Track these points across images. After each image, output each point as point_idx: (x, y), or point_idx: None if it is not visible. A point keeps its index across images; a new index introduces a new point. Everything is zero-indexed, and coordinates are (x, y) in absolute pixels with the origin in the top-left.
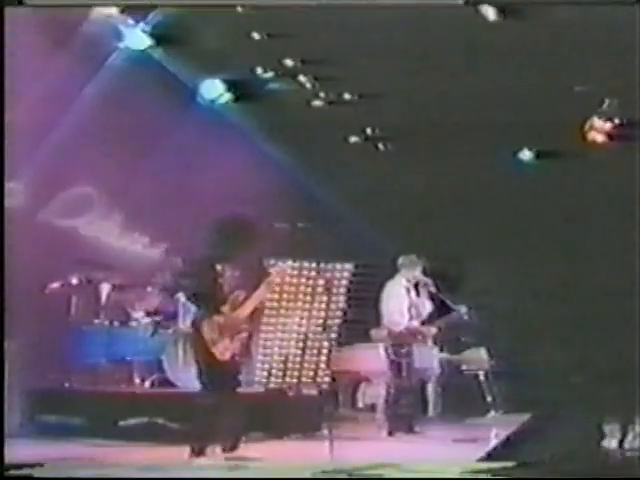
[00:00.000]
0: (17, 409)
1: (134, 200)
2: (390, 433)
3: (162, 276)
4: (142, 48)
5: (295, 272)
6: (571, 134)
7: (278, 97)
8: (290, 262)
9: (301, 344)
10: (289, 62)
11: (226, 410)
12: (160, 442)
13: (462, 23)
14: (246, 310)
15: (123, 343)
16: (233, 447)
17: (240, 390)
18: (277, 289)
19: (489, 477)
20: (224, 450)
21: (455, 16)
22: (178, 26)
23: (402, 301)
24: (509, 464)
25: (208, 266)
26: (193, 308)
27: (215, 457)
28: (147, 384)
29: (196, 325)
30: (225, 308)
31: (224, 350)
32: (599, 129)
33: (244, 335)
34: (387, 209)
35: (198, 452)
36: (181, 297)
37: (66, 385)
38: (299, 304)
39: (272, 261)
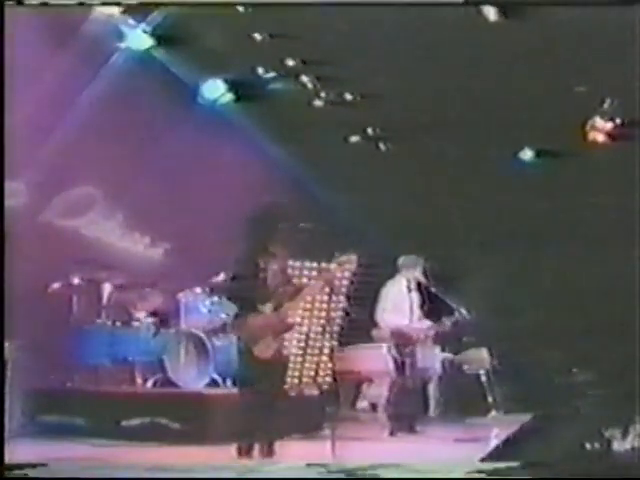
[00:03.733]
0: (19, 409)
1: (136, 200)
2: (392, 433)
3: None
4: (143, 48)
5: (296, 272)
6: (572, 134)
7: (279, 97)
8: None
9: (302, 344)
10: (290, 62)
11: (268, 410)
12: (162, 442)
13: (463, 23)
14: (295, 307)
15: (125, 343)
16: (270, 449)
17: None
18: (337, 284)
19: (490, 477)
20: (262, 454)
21: (456, 16)
22: (179, 26)
23: (402, 301)
24: (510, 464)
25: (250, 262)
26: (231, 306)
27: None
28: (149, 384)
29: (237, 323)
30: (268, 306)
31: (265, 349)
32: (600, 129)
33: (288, 334)
34: (388, 209)
35: (246, 451)
36: (184, 297)
37: (68, 385)
38: (300, 304)
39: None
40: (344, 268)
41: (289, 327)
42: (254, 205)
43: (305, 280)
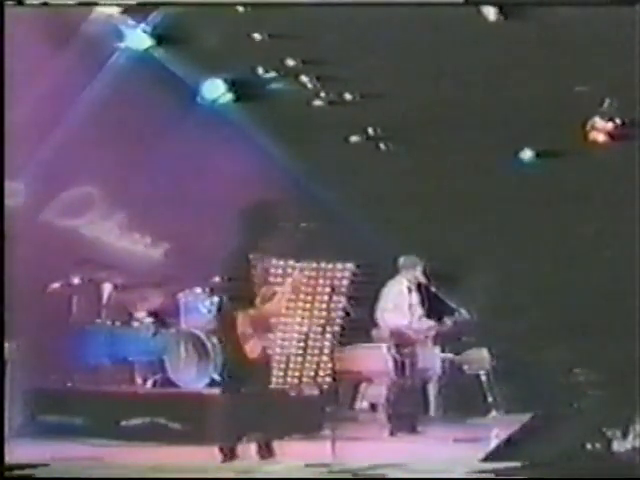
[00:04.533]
0: (19, 409)
1: (135, 200)
2: (392, 433)
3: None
4: (143, 48)
5: (295, 272)
6: (572, 134)
7: (279, 97)
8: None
9: (302, 344)
10: (290, 62)
11: (255, 409)
12: (162, 442)
13: (463, 23)
14: (275, 306)
15: (125, 343)
16: (268, 449)
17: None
18: (303, 289)
19: (490, 477)
20: (261, 455)
21: (456, 16)
22: (179, 26)
23: (403, 301)
24: (510, 464)
25: (242, 257)
26: (220, 301)
27: (249, 459)
28: (149, 384)
29: (228, 320)
30: (257, 302)
31: (254, 347)
32: (600, 129)
33: (272, 332)
34: (388, 209)
35: (230, 454)
36: (184, 297)
37: (68, 385)
38: (300, 304)
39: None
40: (305, 274)
41: (271, 327)
42: (248, 202)
43: (305, 280)
